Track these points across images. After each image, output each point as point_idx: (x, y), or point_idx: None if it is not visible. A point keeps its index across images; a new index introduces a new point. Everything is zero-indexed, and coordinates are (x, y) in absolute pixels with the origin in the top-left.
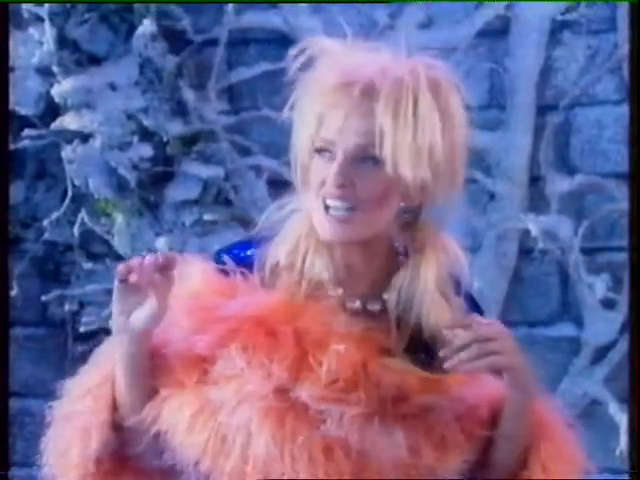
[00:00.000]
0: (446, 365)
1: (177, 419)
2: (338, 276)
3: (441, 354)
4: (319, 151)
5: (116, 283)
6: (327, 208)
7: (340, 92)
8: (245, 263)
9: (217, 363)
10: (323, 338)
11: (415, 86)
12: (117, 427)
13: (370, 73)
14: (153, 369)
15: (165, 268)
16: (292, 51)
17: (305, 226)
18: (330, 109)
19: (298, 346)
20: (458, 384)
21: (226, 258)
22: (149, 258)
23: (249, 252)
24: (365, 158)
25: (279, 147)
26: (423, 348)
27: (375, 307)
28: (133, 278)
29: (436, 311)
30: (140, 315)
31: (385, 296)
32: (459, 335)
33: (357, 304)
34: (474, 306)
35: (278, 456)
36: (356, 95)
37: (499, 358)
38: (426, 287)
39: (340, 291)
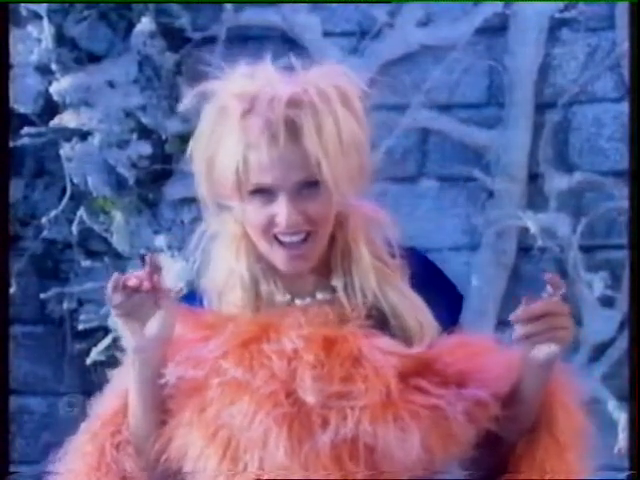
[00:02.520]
0: (516, 335)
1: (187, 446)
2: (283, 282)
3: (512, 318)
4: (253, 193)
5: (114, 312)
6: (281, 243)
7: (260, 134)
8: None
9: (213, 385)
10: (310, 336)
11: (330, 107)
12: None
13: (283, 109)
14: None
15: (156, 268)
16: (191, 95)
17: (234, 245)
18: (253, 152)
19: (291, 351)
20: (457, 365)
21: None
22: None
23: (196, 302)
24: (307, 186)
25: None
26: (381, 319)
27: (326, 296)
28: (132, 281)
29: (376, 275)
30: (153, 324)
31: (333, 282)
32: (531, 307)
33: (307, 300)
34: (425, 264)
35: (291, 466)
36: (280, 136)
37: (567, 333)
38: (360, 255)
39: (288, 296)
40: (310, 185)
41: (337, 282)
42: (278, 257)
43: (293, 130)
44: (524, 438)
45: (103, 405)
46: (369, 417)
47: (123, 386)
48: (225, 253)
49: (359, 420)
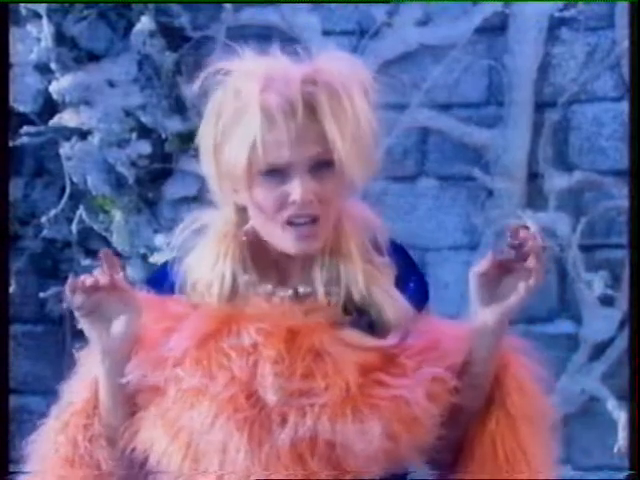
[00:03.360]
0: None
1: (153, 440)
2: (267, 274)
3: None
4: (266, 173)
5: (77, 314)
6: (290, 223)
7: (279, 113)
8: (170, 286)
9: (172, 391)
10: (271, 329)
11: (346, 87)
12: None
13: (303, 88)
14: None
15: (112, 265)
16: (203, 75)
17: (222, 245)
18: (270, 131)
19: (251, 346)
20: (417, 356)
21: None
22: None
23: (170, 277)
24: (321, 165)
25: None
26: (360, 316)
27: (307, 290)
28: (89, 281)
29: (364, 275)
30: (119, 323)
31: (314, 274)
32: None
33: (289, 293)
34: (404, 256)
35: (251, 468)
36: (299, 114)
37: (535, 271)
38: (350, 254)
39: (269, 287)
40: (323, 166)
41: (320, 275)
42: (287, 238)
43: (310, 107)
44: (478, 415)
45: (73, 392)
46: (328, 414)
47: (91, 374)
48: (209, 250)
49: (318, 417)
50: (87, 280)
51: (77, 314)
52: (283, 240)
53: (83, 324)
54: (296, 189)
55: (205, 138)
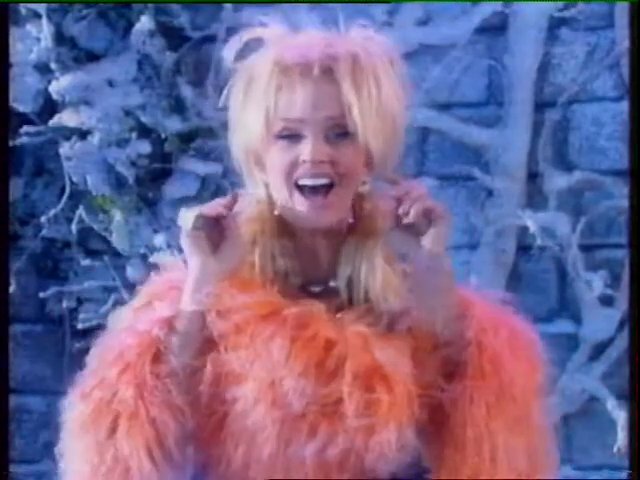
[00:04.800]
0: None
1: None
2: (298, 264)
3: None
4: (281, 136)
5: (190, 236)
6: (302, 189)
7: (296, 71)
8: None
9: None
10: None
11: (372, 57)
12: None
13: (324, 50)
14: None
15: (231, 205)
16: (237, 41)
17: (257, 218)
18: (286, 89)
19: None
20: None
21: None
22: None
23: None
24: (337, 132)
25: None
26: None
27: (336, 284)
28: (219, 209)
29: (383, 278)
30: (224, 258)
31: (339, 272)
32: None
33: (320, 287)
34: None
35: (273, 467)
36: (316, 71)
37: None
38: (374, 254)
39: (300, 279)
40: (340, 134)
41: (343, 272)
42: (300, 207)
43: (329, 70)
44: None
45: (137, 332)
46: (366, 435)
47: (161, 314)
48: (246, 231)
49: (352, 440)
50: (214, 205)
51: (190, 235)
52: (295, 209)
53: (191, 250)
54: (307, 148)
55: (231, 109)
